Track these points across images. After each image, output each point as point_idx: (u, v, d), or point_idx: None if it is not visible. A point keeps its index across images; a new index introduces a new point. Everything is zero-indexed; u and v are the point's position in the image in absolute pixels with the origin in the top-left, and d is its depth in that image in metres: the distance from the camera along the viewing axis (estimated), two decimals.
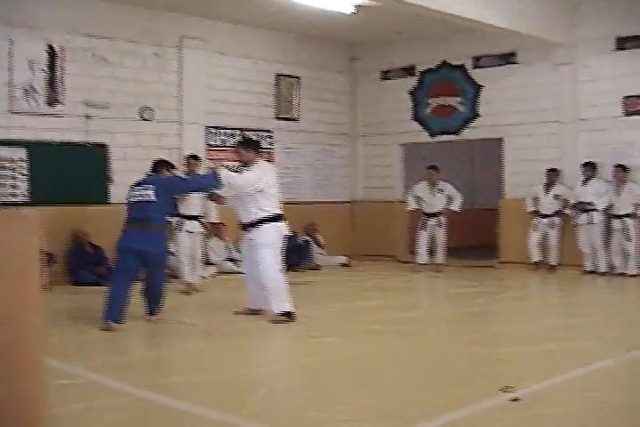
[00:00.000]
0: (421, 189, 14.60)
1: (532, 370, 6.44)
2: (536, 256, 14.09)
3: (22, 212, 2.61)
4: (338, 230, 16.65)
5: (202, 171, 11.95)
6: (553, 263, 13.98)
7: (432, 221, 14.47)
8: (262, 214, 8.88)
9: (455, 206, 14.41)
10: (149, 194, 8.77)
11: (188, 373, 6.44)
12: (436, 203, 14.43)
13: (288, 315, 8.79)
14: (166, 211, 9.08)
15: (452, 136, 15.94)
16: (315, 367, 6.61)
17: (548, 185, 13.98)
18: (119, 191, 12.63)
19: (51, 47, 12.36)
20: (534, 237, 14.07)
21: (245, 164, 9.10)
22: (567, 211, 13.79)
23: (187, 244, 11.55)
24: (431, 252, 14.60)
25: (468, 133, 15.71)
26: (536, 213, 14.09)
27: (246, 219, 9.00)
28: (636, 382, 6.22)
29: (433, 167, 14.60)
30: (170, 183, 9.18)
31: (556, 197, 13.86)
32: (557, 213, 13.93)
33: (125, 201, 9.15)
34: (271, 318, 8.79)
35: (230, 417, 5.08)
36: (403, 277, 13.71)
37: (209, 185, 8.94)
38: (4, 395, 2.56)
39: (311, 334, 8.13)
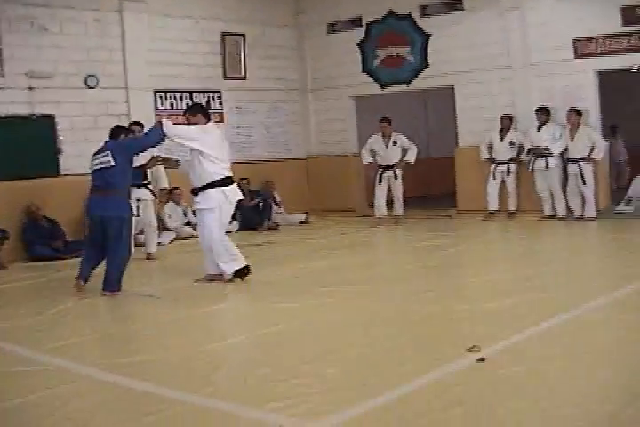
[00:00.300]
0: (375, 142, 14.53)
1: (497, 326, 6.38)
2: (494, 205, 14.08)
3: None
4: (294, 187, 16.55)
5: None
6: (511, 210, 13.99)
7: (388, 173, 14.42)
8: (209, 179, 8.95)
9: (410, 158, 14.36)
10: (109, 160, 8.88)
11: (151, 350, 6.33)
12: (390, 155, 14.38)
13: (241, 272, 9.10)
14: (127, 174, 8.98)
15: (402, 87, 15.79)
16: (276, 336, 6.54)
17: (503, 131, 13.93)
18: (69, 162, 12.48)
19: None
20: (492, 186, 14.04)
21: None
22: (523, 157, 13.76)
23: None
24: (389, 204, 14.55)
25: (418, 83, 15.57)
26: (492, 161, 14.06)
27: (196, 183, 9.08)
28: (603, 331, 6.19)
29: (385, 119, 14.51)
30: (125, 145, 9.17)
31: (511, 143, 13.82)
32: (513, 160, 13.90)
33: (84, 171, 9.47)
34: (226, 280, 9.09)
35: (195, 397, 4.99)
36: (362, 233, 13.65)
37: (159, 136, 8.88)
38: None
39: (272, 300, 8.02)
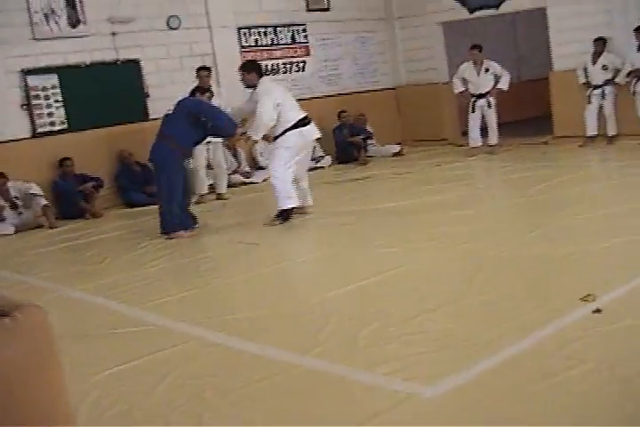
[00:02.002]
0: (466, 69, 14.11)
1: (611, 271, 6.10)
2: (592, 130, 13.59)
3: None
4: (386, 118, 16.28)
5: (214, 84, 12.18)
6: (611, 134, 13.49)
7: (481, 102, 14.04)
8: (286, 126, 9.34)
9: (503, 85, 13.93)
10: (171, 109, 9.49)
11: (255, 307, 6.17)
12: (482, 83, 13.96)
13: (285, 213, 9.35)
14: (181, 126, 9.23)
15: (491, 10, 15.19)
16: (380, 287, 6.34)
17: (596, 55, 13.37)
18: (158, 106, 12.37)
19: None
20: (590, 110, 13.54)
21: (250, 86, 9.64)
22: (618, 80, 13.20)
23: (204, 155, 11.79)
24: (484, 133, 14.19)
25: (508, 6, 14.95)
26: (588, 85, 13.53)
27: (273, 134, 9.50)
28: None
29: (476, 47, 14.03)
30: (193, 102, 9.55)
31: (604, 67, 13.27)
32: (608, 83, 13.35)
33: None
34: (269, 220, 9.43)
35: (303, 358, 4.87)
36: (457, 164, 13.27)
37: (228, 128, 9.42)
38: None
39: (373, 244, 7.86)
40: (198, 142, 9.79)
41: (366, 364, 4.68)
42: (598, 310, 5.09)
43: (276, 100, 9.29)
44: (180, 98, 9.69)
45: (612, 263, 6.37)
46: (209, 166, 12.09)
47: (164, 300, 6.62)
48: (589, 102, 13.52)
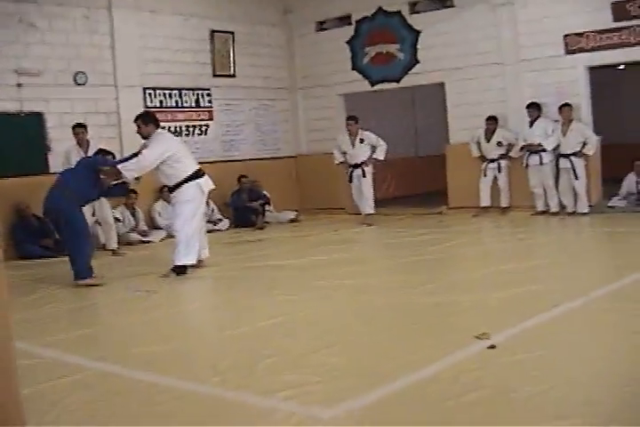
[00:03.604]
0: (343, 141, 14.30)
1: (502, 316, 6.35)
2: (486, 201, 14.04)
3: None
4: (284, 186, 16.50)
5: (92, 140, 12.19)
6: (503, 206, 13.97)
7: (357, 172, 14.14)
8: (182, 176, 9.37)
9: (379, 155, 14.00)
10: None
11: (152, 342, 6.20)
12: (358, 153, 14.07)
13: (181, 269, 9.28)
14: (81, 180, 9.28)
15: (392, 84, 15.73)
16: (277, 328, 6.44)
17: (489, 132, 13.96)
18: (58, 160, 12.29)
19: None
20: (484, 182, 14.03)
21: (145, 137, 9.51)
22: (512, 154, 13.77)
23: (90, 211, 11.51)
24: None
25: (408, 80, 15.52)
26: (482, 159, 14.03)
27: (167, 183, 9.61)
28: (608, 320, 6.13)
29: (351, 118, 14.32)
30: (99, 159, 9.94)
31: (499, 143, 13.86)
32: (503, 157, 13.91)
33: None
34: (164, 272, 9.35)
35: (201, 386, 4.92)
36: (354, 231, 13.49)
37: (123, 190, 10.19)
38: None
39: (270, 293, 7.99)
40: (90, 200, 9.80)
41: (265, 390, 4.74)
42: (493, 346, 5.28)
43: (169, 152, 9.27)
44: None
45: (503, 309, 6.62)
46: (97, 222, 12.02)
47: (62, 337, 6.57)
48: (485, 175, 13.98)
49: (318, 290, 7.96)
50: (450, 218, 14.20)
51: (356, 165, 14.11)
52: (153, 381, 5.09)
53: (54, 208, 9.16)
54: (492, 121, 13.92)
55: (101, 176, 9.36)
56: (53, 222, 9.56)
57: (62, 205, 9.05)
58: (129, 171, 9.19)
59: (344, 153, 14.27)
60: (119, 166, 9.21)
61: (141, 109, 13.91)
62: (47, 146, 12.74)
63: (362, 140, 14.03)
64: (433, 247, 10.53)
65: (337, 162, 14.48)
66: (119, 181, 9.47)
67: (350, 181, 14.27)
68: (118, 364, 5.55)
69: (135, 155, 9.38)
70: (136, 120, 9.61)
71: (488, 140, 13.96)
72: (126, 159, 9.55)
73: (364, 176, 14.02)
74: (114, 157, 10.53)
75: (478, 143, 14.09)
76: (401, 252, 10.52)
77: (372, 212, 14.13)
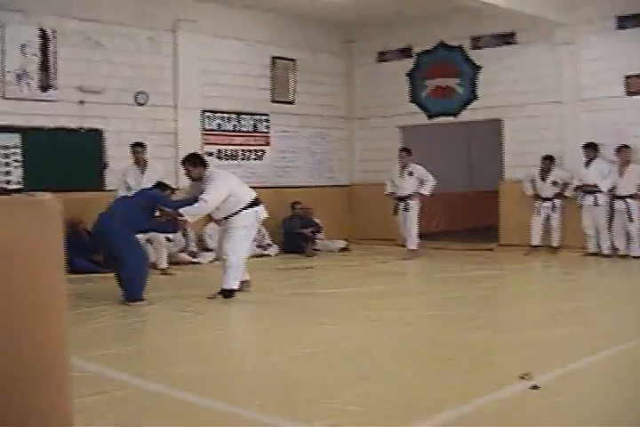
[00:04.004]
0: (394, 171, 14.20)
1: (547, 356, 6.27)
2: (537, 240, 13.93)
3: (39, 197, 2.42)
4: (336, 214, 16.48)
5: (149, 159, 12.27)
6: (555, 245, 13.84)
7: (402, 205, 14.01)
8: (238, 208, 9.41)
9: (425, 190, 13.80)
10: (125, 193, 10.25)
11: (195, 363, 6.24)
12: (405, 186, 13.90)
13: (230, 293, 9.30)
14: (134, 211, 9.30)
15: (450, 118, 15.75)
16: (319, 356, 6.42)
17: (544, 171, 13.84)
18: (114, 177, 12.44)
19: (43, 31, 12.11)
20: (537, 221, 13.92)
21: (197, 179, 9.53)
22: (567, 193, 13.65)
23: None
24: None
25: (466, 115, 15.53)
26: (536, 197, 13.93)
27: (224, 215, 9.51)
28: None
29: (404, 149, 14.20)
30: (154, 197, 9.64)
31: (554, 183, 13.72)
32: (558, 196, 13.79)
33: None
34: (211, 294, 9.40)
35: (240, 409, 4.91)
36: (404, 262, 13.42)
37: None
38: (31, 387, 2.42)
39: (315, 321, 7.96)
40: (140, 232, 9.74)
41: (304, 418, 4.72)
42: (536, 387, 5.20)
43: (228, 191, 9.29)
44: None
45: (549, 349, 6.54)
46: (148, 241, 12.12)
47: (106, 352, 6.62)
48: (538, 213, 13.87)
49: (363, 320, 7.95)
50: (500, 255, 14.12)
51: (402, 198, 13.99)
52: (193, 401, 5.11)
53: (104, 231, 9.21)
54: (549, 160, 13.82)
55: (157, 213, 9.44)
56: (103, 247, 9.63)
57: (112, 228, 9.09)
58: (191, 215, 9.23)
59: (393, 184, 14.19)
60: (182, 211, 9.16)
61: (199, 131, 14.14)
62: (104, 163, 12.91)
63: (411, 173, 13.88)
64: (481, 284, 10.47)
65: (386, 192, 14.33)
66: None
67: (395, 213, 14.14)
68: (160, 382, 5.57)
69: (194, 200, 9.30)
70: (184, 163, 9.63)
71: (543, 179, 13.86)
72: (184, 202, 9.47)
73: (407, 210, 13.87)
74: (172, 192, 10.43)
75: (533, 181, 14.00)
76: (449, 286, 10.47)
77: (413, 248, 13.93)
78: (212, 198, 9.16)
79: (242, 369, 6.12)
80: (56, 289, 2.46)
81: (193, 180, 9.61)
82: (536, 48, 14.39)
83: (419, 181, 13.88)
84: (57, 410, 2.45)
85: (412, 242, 13.94)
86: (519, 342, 6.78)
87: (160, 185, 10.10)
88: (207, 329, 7.68)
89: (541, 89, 14.31)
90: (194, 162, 9.54)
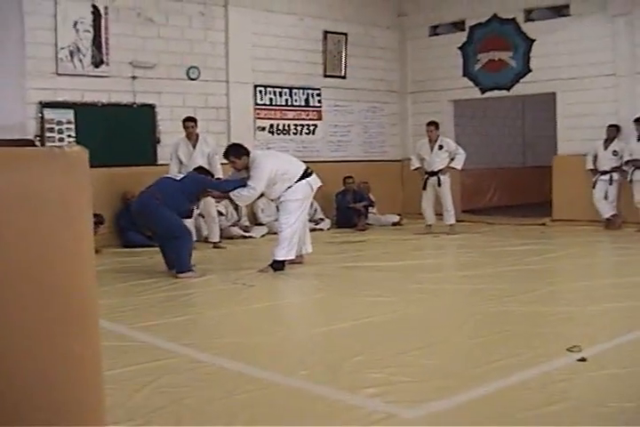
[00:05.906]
0: (422, 146, 13.84)
1: (597, 329, 6.22)
2: (607, 211, 13.65)
3: (64, 149, 2.42)
4: (388, 189, 16.47)
5: (201, 134, 12.35)
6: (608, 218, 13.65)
7: (432, 180, 13.62)
8: (292, 182, 9.43)
9: (457, 164, 13.54)
10: (174, 175, 10.11)
11: (244, 334, 6.31)
12: (435, 160, 13.54)
13: (280, 264, 9.36)
14: (177, 196, 9.29)
15: (503, 92, 15.58)
16: (368, 327, 6.43)
17: (608, 141, 13.59)
18: (167, 152, 12.53)
19: (95, 7, 12.20)
20: (597, 195, 13.66)
21: (244, 169, 9.47)
22: (625, 167, 13.44)
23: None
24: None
25: (519, 89, 15.35)
26: (595, 171, 13.73)
27: (279, 193, 9.49)
28: None
29: (432, 123, 13.76)
30: (204, 180, 9.72)
31: (615, 153, 13.46)
32: (615, 169, 13.57)
33: None
34: (262, 267, 9.43)
35: (287, 379, 4.94)
36: (455, 237, 13.30)
37: (184, 216, 9.58)
38: (59, 356, 2.43)
39: (363, 293, 7.97)
40: (181, 215, 9.57)
41: (349, 387, 4.73)
42: (583, 359, 5.17)
43: (272, 173, 9.24)
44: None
45: (598, 323, 6.49)
46: (200, 215, 12.21)
47: (156, 322, 6.70)
48: (594, 187, 13.67)
49: (413, 293, 7.93)
50: (553, 230, 13.99)
51: (432, 173, 13.62)
52: (240, 370, 5.14)
53: (142, 210, 9.30)
54: (613, 129, 13.56)
55: (207, 193, 9.59)
56: (145, 225, 9.93)
57: (151, 208, 9.16)
58: (240, 200, 9.46)
59: (422, 159, 13.78)
60: (232, 196, 9.31)
61: (251, 106, 14.18)
62: (157, 138, 13.00)
63: (440, 147, 13.54)
64: (533, 258, 10.38)
65: (413, 168, 14.03)
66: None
67: (424, 188, 13.75)
68: (207, 351, 5.62)
69: (237, 181, 9.46)
70: (227, 157, 9.55)
71: (605, 148, 13.61)
72: (233, 183, 9.51)
73: (439, 185, 13.56)
74: (212, 177, 10.35)
75: (595, 156, 13.75)
76: (500, 260, 10.38)
77: (453, 222, 13.65)
78: (258, 184, 9.20)
79: (291, 340, 6.15)
80: (83, 241, 2.43)
81: (239, 170, 9.54)
82: (590, 20, 14.16)
83: (449, 155, 13.59)
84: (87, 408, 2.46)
85: (451, 217, 13.63)
86: (569, 315, 6.73)
87: (199, 169, 10.15)
88: (257, 301, 7.71)
89: (596, 62, 14.09)
90: (237, 153, 9.45)
